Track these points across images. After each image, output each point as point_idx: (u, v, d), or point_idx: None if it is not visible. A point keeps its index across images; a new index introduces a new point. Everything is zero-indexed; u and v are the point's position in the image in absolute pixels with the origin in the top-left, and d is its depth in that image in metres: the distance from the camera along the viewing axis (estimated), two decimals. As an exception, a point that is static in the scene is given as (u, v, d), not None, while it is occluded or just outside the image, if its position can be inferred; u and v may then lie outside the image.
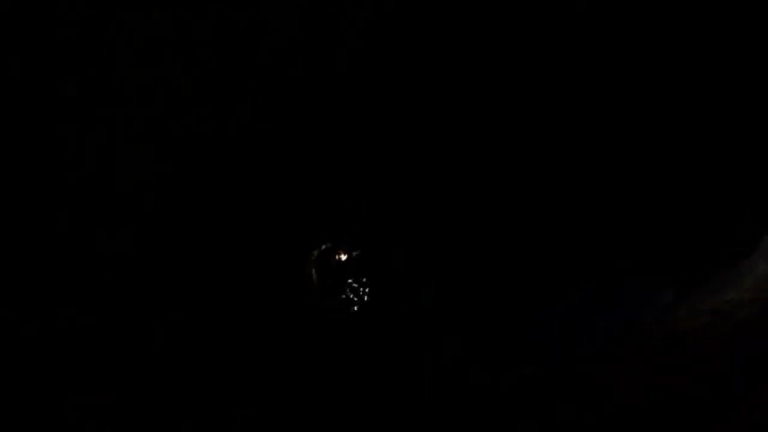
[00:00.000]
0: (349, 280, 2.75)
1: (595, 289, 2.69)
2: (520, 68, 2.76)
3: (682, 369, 2.51)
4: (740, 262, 2.56)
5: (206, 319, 2.66)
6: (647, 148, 2.75)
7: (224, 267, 2.72)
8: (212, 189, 2.74)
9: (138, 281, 2.66)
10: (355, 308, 2.72)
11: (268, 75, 2.72)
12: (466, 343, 2.69)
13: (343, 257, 2.77)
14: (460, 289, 2.75)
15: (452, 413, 2.61)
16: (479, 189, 2.79)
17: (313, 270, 2.76)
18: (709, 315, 2.55)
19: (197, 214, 2.73)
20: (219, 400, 2.59)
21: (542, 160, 2.77)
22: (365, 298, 2.73)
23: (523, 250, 2.76)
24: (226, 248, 2.73)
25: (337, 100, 2.80)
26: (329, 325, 2.71)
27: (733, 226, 2.63)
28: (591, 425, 2.54)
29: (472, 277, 2.76)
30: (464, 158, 2.79)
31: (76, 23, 2.43)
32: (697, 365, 2.50)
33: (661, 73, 2.75)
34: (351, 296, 2.73)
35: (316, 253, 2.76)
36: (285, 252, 2.75)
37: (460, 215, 2.78)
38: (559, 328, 2.65)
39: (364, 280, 2.75)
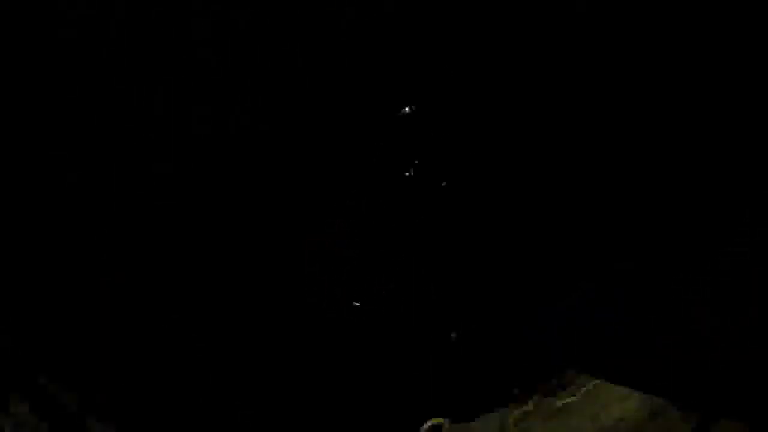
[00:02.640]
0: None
1: (595, 289, 2.69)
2: (517, 70, 2.77)
3: (684, 369, 2.51)
4: (740, 261, 2.56)
5: (206, 319, 2.67)
6: (647, 147, 2.75)
7: (224, 267, 2.72)
8: (212, 189, 2.74)
9: (138, 281, 2.66)
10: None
11: (268, 75, 2.72)
12: (466, 343, 2.69)
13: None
14: (459, 288, 2.75)
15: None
16: (479, 188, 2.79)
17: (313, 270, 2.76)
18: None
19: (197, 214, 2.73)
20: (219, 400, 2.60)
21: (542, 159, 2.78)
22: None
23: (523, 250, 2.77)
24: (226, 249, 2.74)
25: (337, 101, 2.80)
26: (328, 324, 2.71)
27: (733, 226, 2.63)
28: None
29: (472, 277, 2.76)
30: (463, 157, 2.80)
31: (77, 23, 2.44)
32: (699, 365, 2.50)
33: (663, 74, 2.75)
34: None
35: (316, 253, 2.77)
36: (285, 252, 2.76)
37: (460, 214, 2.78)
38: (559, 328, 2.65)
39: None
